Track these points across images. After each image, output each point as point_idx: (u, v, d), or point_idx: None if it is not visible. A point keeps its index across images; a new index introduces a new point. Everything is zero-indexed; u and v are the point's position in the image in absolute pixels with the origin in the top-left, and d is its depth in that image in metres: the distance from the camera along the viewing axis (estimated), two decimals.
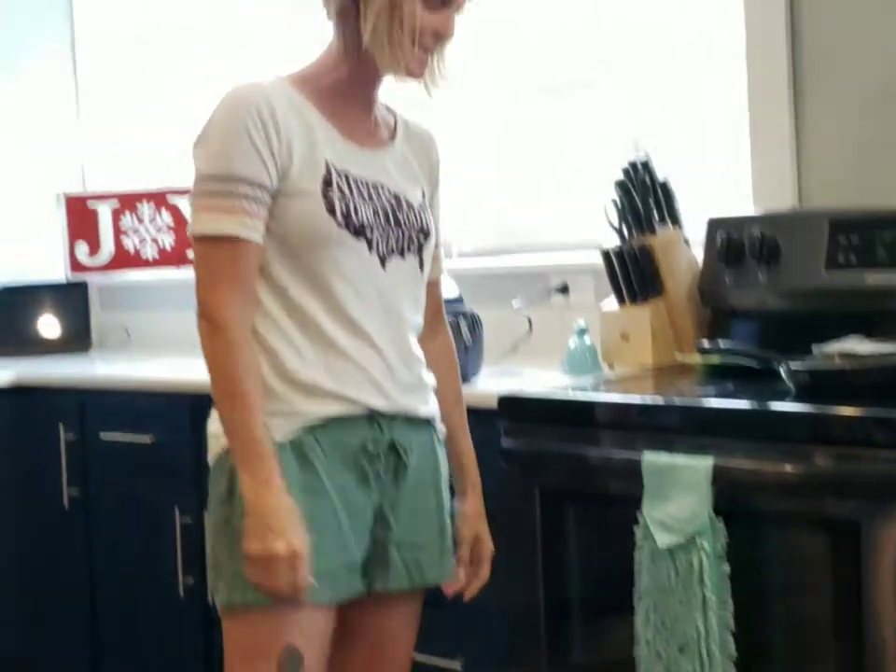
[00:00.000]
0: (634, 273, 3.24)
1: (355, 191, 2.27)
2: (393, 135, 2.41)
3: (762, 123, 3.37)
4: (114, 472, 3.91)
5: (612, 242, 3.31)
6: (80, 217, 4.93)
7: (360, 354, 2.27)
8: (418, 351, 2.39)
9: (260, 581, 2.15)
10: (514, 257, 3.93)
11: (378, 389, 2.29)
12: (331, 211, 2.22)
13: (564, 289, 3.73)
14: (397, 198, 2.34)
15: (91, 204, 4.94)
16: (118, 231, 4.93)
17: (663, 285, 3.23)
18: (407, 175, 2.40)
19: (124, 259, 4.93)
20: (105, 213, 4.92)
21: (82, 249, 4.91)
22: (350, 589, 2.30)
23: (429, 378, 2.42)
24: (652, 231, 3.27)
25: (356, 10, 2.24)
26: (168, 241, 4.92)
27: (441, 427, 2.45)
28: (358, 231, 2.25)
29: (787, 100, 3.31)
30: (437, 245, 2.47)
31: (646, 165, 3.30)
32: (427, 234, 2.38)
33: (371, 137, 2.36)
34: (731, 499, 2.40)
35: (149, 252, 4.92)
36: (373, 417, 2.30)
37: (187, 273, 4.82)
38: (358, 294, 2.27)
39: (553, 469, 2.73)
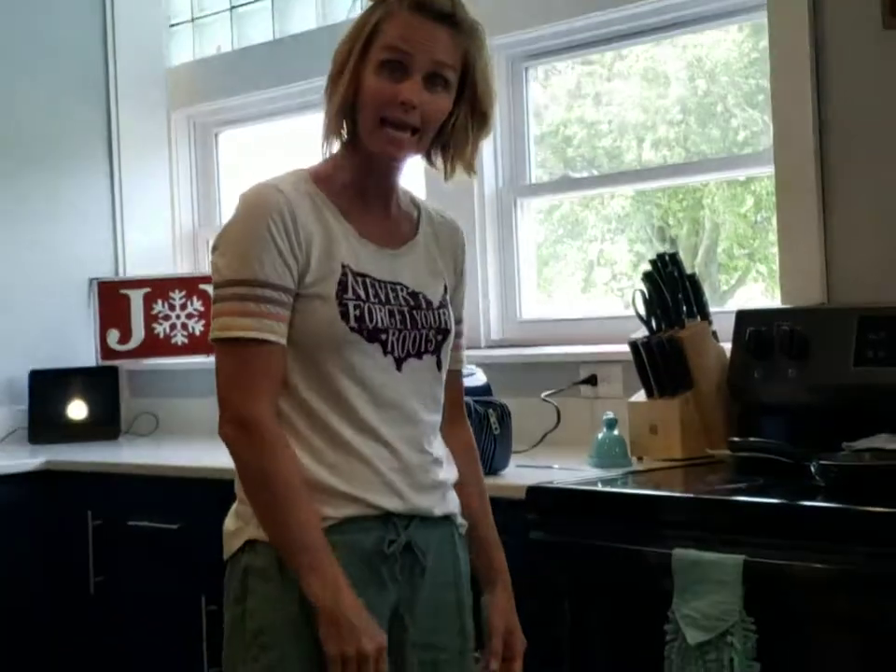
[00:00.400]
0: (663, 366, 3.25)
1: (371, 294, 2.25)
2: (416, 229, 2.38)
3: (790, 218, 3.39)
4: (141, 559, 3.91)
5: (641, 334, 3.32)
6: (112, 302, 4.98)
7: (375, 456, 2.24)
8: (437, 450, 2.35)
9: None
10: (543, 347, 3.94)
11: (393, 491, 2.26)
12: (345, 316, 2.21)
13: (592, 380, 3.74)
14: (415, 297, 2.31)
15: (123, 290, 4.99)
16: (149, 318, 4.96)
17: (692, 378, 3.23)
18: (428, 270, 2.37)
19: (154, 346, 4.97)
20: (136, 299, 4.97)
21: (113, 335, 4.95)
22: None
23: (449, 475, 2.38)
24: (681, 323, 3.28)
25: (348, 102, 2.24)
26: (198, 327, 4.95)
27: (461, 522, 2.41)
28: (372, 336, 2.23)
29: (815, 196, 3.32)
30: (458, 335, 2.43)
31: (674, 258, 3.32)
32: (445, 333, 2.34)
33: (391, 235, 2.33)
34: (762, 597, 2.39)
35: (179, 338, 4.95)
36: (389, 518, 2.26)
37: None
38: (373, 397, 2.24)
39: (581, 561, 2.72)
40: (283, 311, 2.19)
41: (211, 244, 2.27)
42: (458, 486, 2.40)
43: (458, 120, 2.28)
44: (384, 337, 2.25)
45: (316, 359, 2.22)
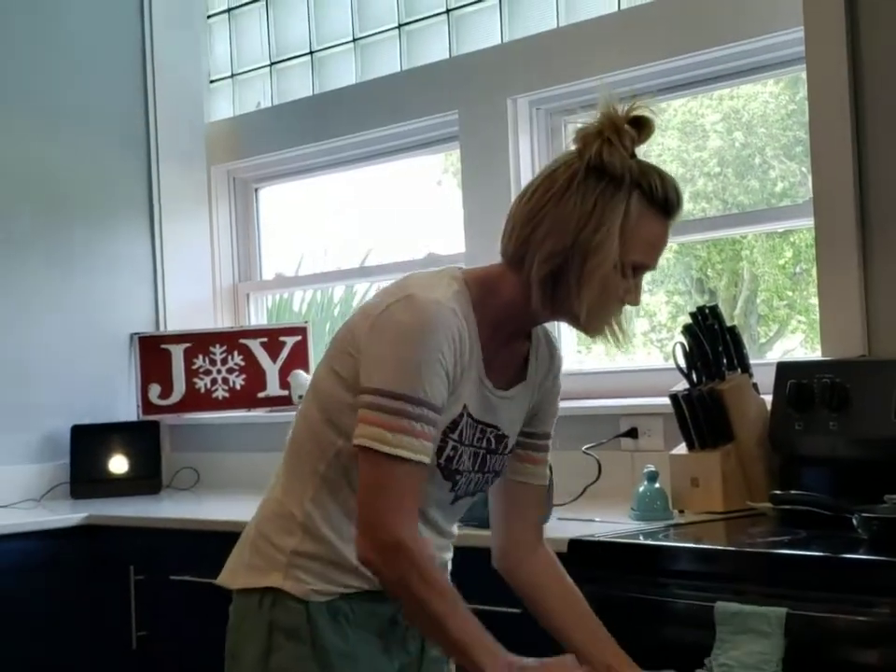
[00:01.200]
0: (704, 419, 3.24)
1: (469, 435, 2.22)
2: (526, 367, 2.31)
3: (830, 271, 3.38)
4: (183, 614, 3.91)
5: (681, 386, 3.32)
6: (153, 357, 5.02)
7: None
8: (449, 531, 2.34)
9: None
10: (583, 400, 3.94)
11: None
12: (440, 452, 2.18)
13: (633, 433, 3.74)
14: (500, 440, 2.28)
15: (164, 345, 5.02)
16: (189, 372, 4.99)
17: (732, 430, 3.23)
18: (523, 410, 2.32)
19: (195, 400, 5.00)
20: (177, 353, 5.00)
21: (154, 390, 4.98)
22: None
23: (449, 553, 2.39)
24: (721, 376, 3.28)
25: (563, 278, 2.15)
26: (238, 381, 4.98)
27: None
28: (449, 476, 2.22)
29: (855, 248, 3.32)
30: (544, 450, 2.39)
31: (714, 311, 3.33)
32: (497, 476, 2.32)
33: (506, 374, 2.27)
34: (803, 649, 2.37)
35: (220, 393, 4.98)
36: None
37: (256, 415, 4.89)
38: (422, 517, 2.22)
39: (623, 614, 2.70)
40: (435, 432, 2.14)
41: (370, 331, 2.15)
42: (554, 613, 2.36)
43: None
44: (458, 478, 2.25)
45: None
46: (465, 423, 2.20)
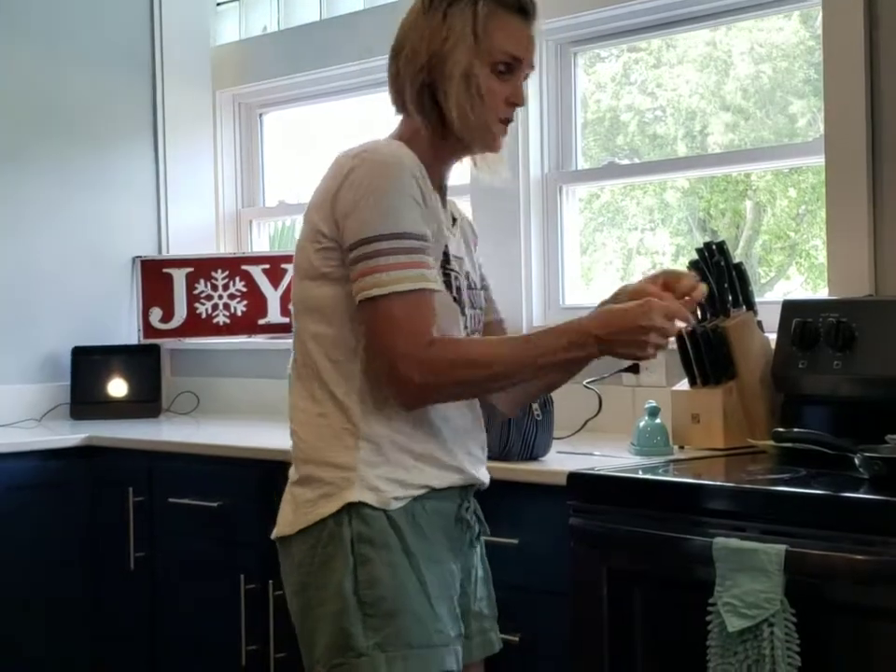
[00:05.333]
0: (707, 356, 3.23)
1: (457, 269, 2.34)
2: (453, 217, 2.44)
3: (839, 208, 3.36)
4: (180, 536, 3.93)
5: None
6: (155, 281, 5.01)
7: (466, 423, 2.34)
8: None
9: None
10: None
11: (476, 460, 2.37)
12: (447, 286, 2.29)
13: (634, 369, 3.72)
14: (468, 275, 2.40)
15: (166, 269, 5.01)
16: (191, 297, 4.98)
17: (735, 367, 3.22)
18: (468, 252, 2.45)
19: (196, 325, 4.99)
20: (179, 278, 4.99)
21: (156, 314, 4.98)
22: (462, 661, 2.32)
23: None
24: (726, 313, 3.27)
25: (432, 97, 2.29)
26: (240, 308, 4.97)
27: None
28: (462, 310, 2.33)
29: (865, 186, 3.30)
30: (489, 290, 2.53)
31: (721, 247, 3.31)
32: (482, 313, 2.45)
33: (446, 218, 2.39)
34: (803, 587, 2.38)
35: (221, 318, 4.97)
36: (464, 487, 2.35)
37: (256, 341, 4.89)
38: None
39: (621, 548, 2.72)
40: (429, 259, 2.22)
41: (342, 206, 2.23)
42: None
43: None
44: (465, 312, 2.34)
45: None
46: (452, 256, 2.32)
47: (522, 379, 2.26)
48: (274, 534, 2.35)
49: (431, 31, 2.28)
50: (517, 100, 2.32)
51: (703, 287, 2.32)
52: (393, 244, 2.17)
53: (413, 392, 2.19)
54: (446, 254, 2.31)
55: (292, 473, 2.36)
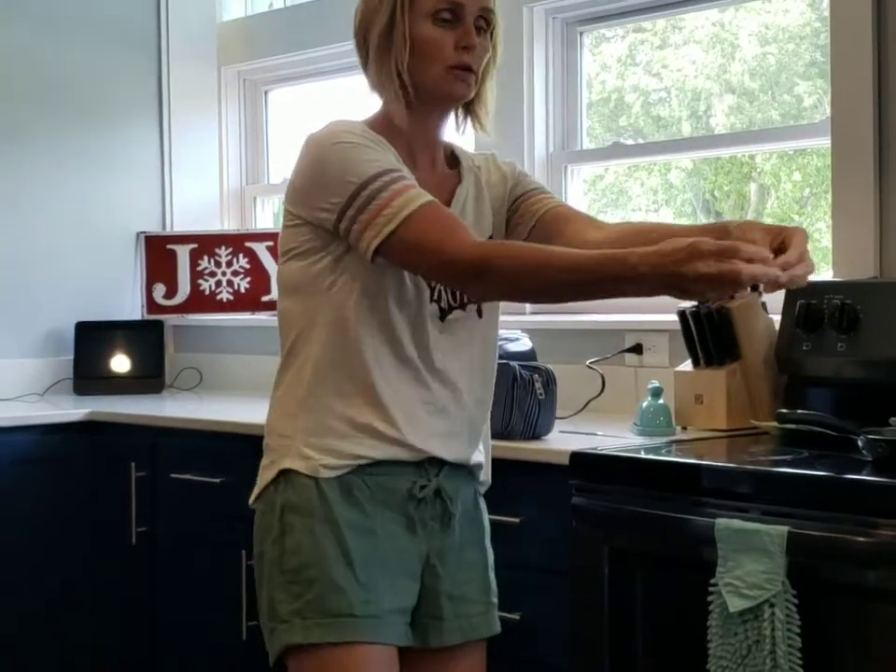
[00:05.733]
0: (710, 336, 3.23)
1: None
2: (459, 179, 2.41)
3: (845, 190, 3.36)
4: (182, 512, 3.93)
5: (689, 303, 3.31)
6: (158, 256, 5.01)
7: (443, 399, 2.31)
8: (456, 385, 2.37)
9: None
10: (589, 314, 3.92)
11: (438, 435, 2.32)
12: None
13: (638, 349, 3.73)
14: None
15: (170, 245, 5.01)
16: (195, 273, 4.98)
17: (739, 348, 3.22)
18: (475, 219, 2.39)
19: (200, 301, 4.99)
20: (183, 254, 4.99)
21: (159, 290, 4.98)
22: (405, 636, 2.30)
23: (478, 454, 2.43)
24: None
25: (388, 61, 2.27)
26: (243, 284, 4.97)
27: (484, 480, 2.46)
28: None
29: (871, 168, 3.30)
30: (541, 189, 2.48)
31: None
32: None
33: (438, 188, 2.34)
34: (804, 568, 2.38)
35: (225, 295, 4.97)
36: (419, 463, 2.31)
37: (259, 318, 4.89)
38: (434, 339, 2.31)
39: (623, 528, 2.72)
40: (412, 181, 2.22)
41: (306, 182, 2.25)
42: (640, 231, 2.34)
43: (487, 65, 2.34)
44: (433, 284, 2.29)
45: (376, 295, 2.25)
46: None
47: (571, 282, 2.09)
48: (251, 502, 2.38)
49: (366, 4, 2.30)
50: (466, 42, 2.26)
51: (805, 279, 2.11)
52: (376, 184, 2.16)
53: (466, 265, 2.13)
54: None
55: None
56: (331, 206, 2.19)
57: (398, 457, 2.28)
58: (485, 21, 2.30)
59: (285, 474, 2.26)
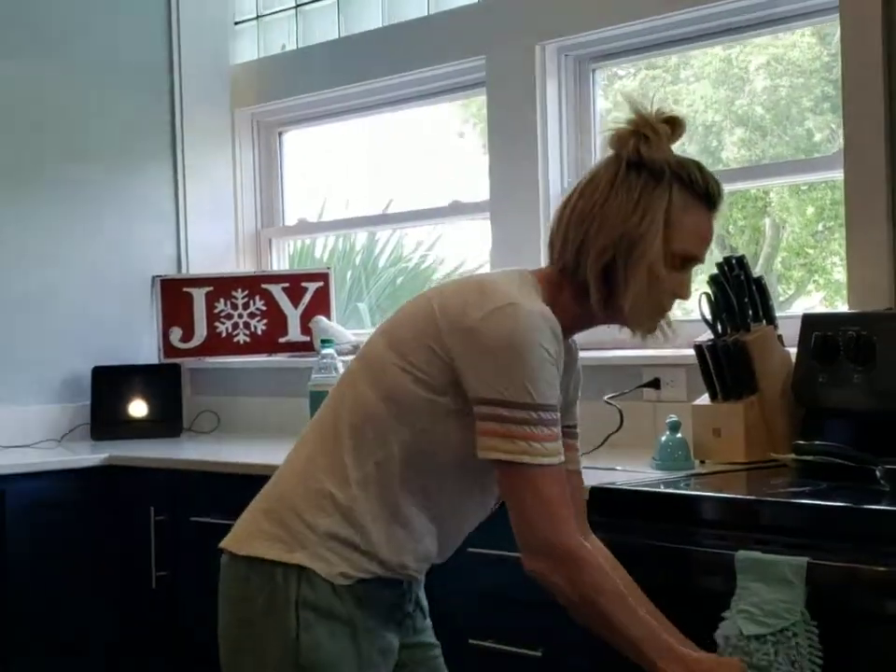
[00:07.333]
0: (728, 369, 3.23)
1: None
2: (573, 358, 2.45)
3: (859, 222, 3.36)
4: (202, 555, 3.92)
5: (706, 337, 3.31)
6: (174, 300, 5.02)
7: (441, 543, 2.34)
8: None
9: None
10: (606, 350, 3.93)
11: (428, 560, 2.34)
12: None
13: (655, 384, 3.73)
14: None
15: (186, 288, 5.02)
16: (211, 316, 5.00)
17: (756, 382, 3.22)
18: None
19: (216, 344, 5.00)
20: (199, 297, 5.00)
21: (176, 333, 4.99)
22: None
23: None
24: (747, 327, 3.27)
25: (614, 273, 2.23)
26: (260, 326, 4.98)
27: None
28: None
29: (885, 198, 3.30)
30: (576, 437, 2.51)
31: (741, 261, 3.31)
32: None
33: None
34: (824, 599, 2.37)
35: (241, 337, 4.98)
36: (409, 581, 2.34)
37: (277, 360, 4.89)
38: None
39: (643, 562, 2.70)
40: (559, 430, 2.22)
41: (472, 337, 2.18)
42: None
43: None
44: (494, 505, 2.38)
45: (453, 471, 2.26)
46: None
47: (603, 633, 2.23)
48: (224, 543, 2.35)
49: (626, 208, 2.21)
50: (682, 294, 2.28)
51: None
52: (543, 415, 2.16)
53: (532, 567, 2.20)
54: None
55: (265, 495, 2.38)
56: (490, 386, 2.15)
57: (395, 577, 2.29)
58: None
59: (297, 568, 2.23)
